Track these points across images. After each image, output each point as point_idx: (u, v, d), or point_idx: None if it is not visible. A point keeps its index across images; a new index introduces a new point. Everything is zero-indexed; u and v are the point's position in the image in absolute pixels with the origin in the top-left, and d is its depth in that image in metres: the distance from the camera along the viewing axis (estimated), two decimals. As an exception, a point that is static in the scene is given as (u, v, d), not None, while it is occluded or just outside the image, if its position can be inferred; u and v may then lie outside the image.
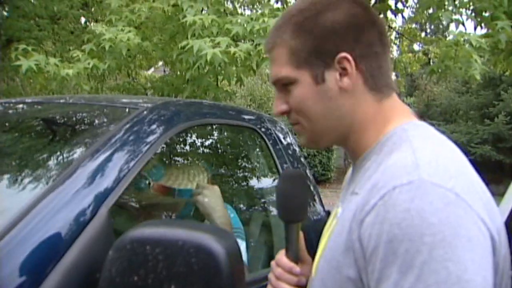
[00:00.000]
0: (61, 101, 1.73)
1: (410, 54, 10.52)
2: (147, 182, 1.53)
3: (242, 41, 3.32)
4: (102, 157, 1.14)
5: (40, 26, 7.04)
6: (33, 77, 3.68)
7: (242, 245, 1.62)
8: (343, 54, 0.79)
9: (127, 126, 1.27)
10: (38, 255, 0.92)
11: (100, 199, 1.05)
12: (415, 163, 0.69)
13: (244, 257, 1.59)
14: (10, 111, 1.69)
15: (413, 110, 0.88)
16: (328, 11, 0.80)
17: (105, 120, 1.48)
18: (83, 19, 7.82)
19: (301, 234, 1.03)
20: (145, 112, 1.36)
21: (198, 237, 0.90)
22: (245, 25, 3.23)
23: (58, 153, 1.34)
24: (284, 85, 0.84)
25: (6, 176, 1.28)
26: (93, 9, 7.45)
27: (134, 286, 0.88)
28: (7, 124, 1.57)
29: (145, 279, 0.88)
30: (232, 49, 3.07)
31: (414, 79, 19.14)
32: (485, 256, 0.66)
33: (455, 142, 0.80)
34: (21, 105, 1.73)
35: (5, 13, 8.21)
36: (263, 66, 3.32)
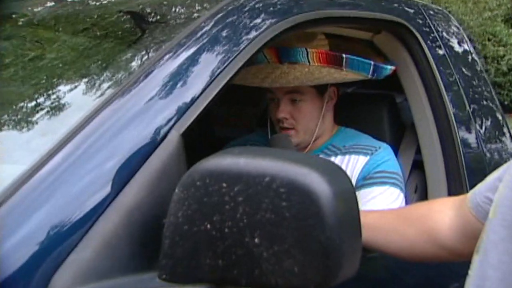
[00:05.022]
0: None
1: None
2: (303, 50, 1.25)
3: None
4: (179, 60, 0.87)
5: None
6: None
7: (401, 195, 1.29)
8: None
9: (219, 16, 0.98)
10: (90, 187, 0.70)
11: (174, 117, 0.80)
12: None
13: None
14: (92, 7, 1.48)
15: None
16: None
17: (192, 10, 1.21)
18: None
19: None
20: None
21: (291, 172, 0.63)
22: None
23: (129, 53, 1.07)
24: None
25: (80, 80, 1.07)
26: None
27: (206, 236, 0.65)
28: (86, 20, 1.32)
29: (220, 228, 0.65)
30: None
31: None
32: None
33: None
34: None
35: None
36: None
